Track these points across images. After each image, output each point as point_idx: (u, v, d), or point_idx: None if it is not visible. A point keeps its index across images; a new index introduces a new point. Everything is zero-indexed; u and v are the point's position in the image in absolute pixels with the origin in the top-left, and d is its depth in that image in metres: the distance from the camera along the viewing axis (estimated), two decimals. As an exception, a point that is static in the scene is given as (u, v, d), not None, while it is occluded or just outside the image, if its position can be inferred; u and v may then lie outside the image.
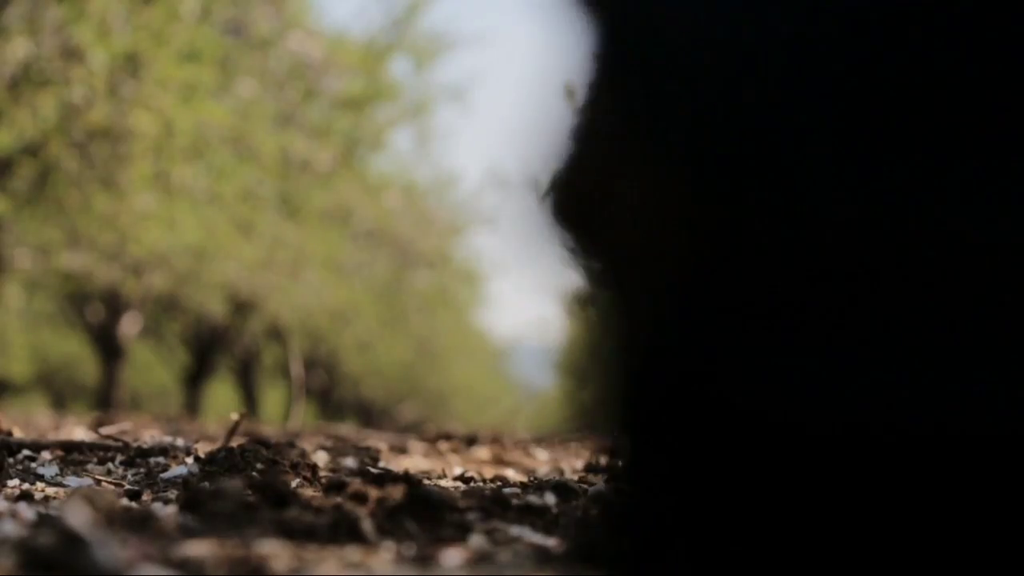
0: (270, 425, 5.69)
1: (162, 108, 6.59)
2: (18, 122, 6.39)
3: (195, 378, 15.45)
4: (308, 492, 1.45)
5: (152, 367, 20.40)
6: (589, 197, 1.19)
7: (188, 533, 0.98)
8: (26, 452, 1.87)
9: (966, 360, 0.87)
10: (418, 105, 13.19)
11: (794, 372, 0.90)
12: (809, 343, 0.90)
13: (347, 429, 5.93)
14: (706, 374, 0.94)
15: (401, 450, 2.72)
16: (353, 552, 0.97)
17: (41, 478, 1.66)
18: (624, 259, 1.09)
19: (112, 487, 1.59)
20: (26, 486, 1.56)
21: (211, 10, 7.26)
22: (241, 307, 14.09)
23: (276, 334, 16.57)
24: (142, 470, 1.76)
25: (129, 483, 1.61)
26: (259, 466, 1.51)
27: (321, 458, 2.16)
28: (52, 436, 2.39)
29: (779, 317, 0.92)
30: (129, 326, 12.66)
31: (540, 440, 3.39)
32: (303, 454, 1.61)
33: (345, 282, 14.04)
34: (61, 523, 0.82)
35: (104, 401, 12.34)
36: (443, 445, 2.90)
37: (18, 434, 2.10)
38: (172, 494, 1.41)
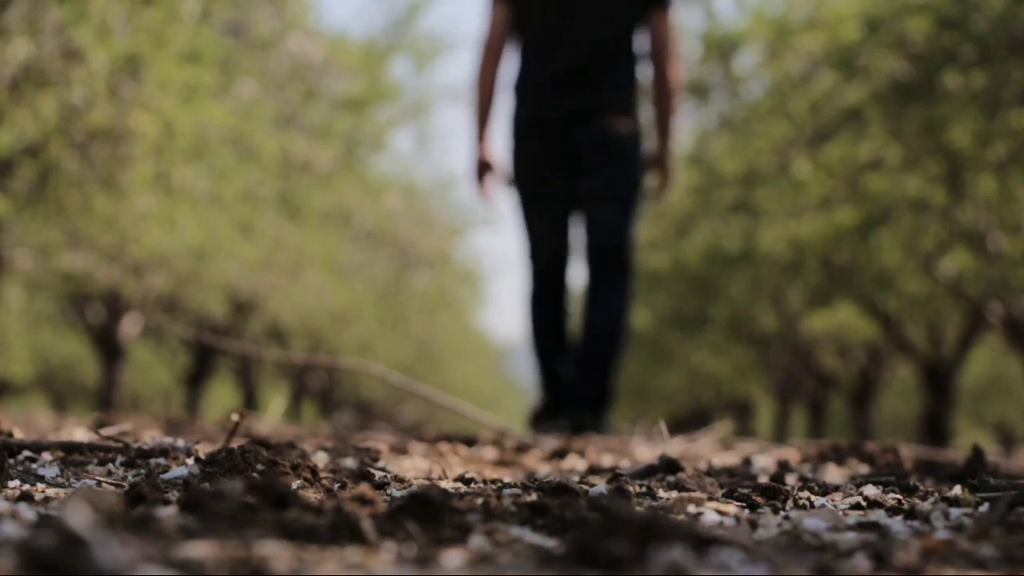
0: (270, 426, 5.69)
1: (163, 109, 6.60)
2: (19, 123, 6.40)
3: (195, 378, 15.46)
4: (309, 493, 1.45)
5: (152, 368, 20.40)
6: None
7: (188, 534, 0.98)
8: (27, 453, 1.87)
9: None
10: (418, 106, 13.20)
11: None
12: None
13: (347, 430, 5.93)
14: None
15: (401, 451, 2.72)
16: (354, 553, 0.97)
17: (42, 479, 1.66)
18: None
19: (113, 488, 1.59)
20: (27, 487, 1.56)
21: (211, 11, 7.26)
22: (241, 308, 14.09)
23: (276, 335, 16.57)
24: (142, 471, 1.76)
25: (129, 484, 1.61)
26: (259, 467, 1.51)
27: (321, 459, 2.17)
28: (52, 437, 2.39)
29: None
30: (129, 327, 12.65)
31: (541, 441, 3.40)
32: (303, 455, 1.61)
33: (345, 283, 14.04)
34: (62, 524, 0.82)
35: (104, 402, 12.34)
36: (443, 446, 2.90)
37: (19, 435, 2.10)
38: (172, 495, 1.41)
